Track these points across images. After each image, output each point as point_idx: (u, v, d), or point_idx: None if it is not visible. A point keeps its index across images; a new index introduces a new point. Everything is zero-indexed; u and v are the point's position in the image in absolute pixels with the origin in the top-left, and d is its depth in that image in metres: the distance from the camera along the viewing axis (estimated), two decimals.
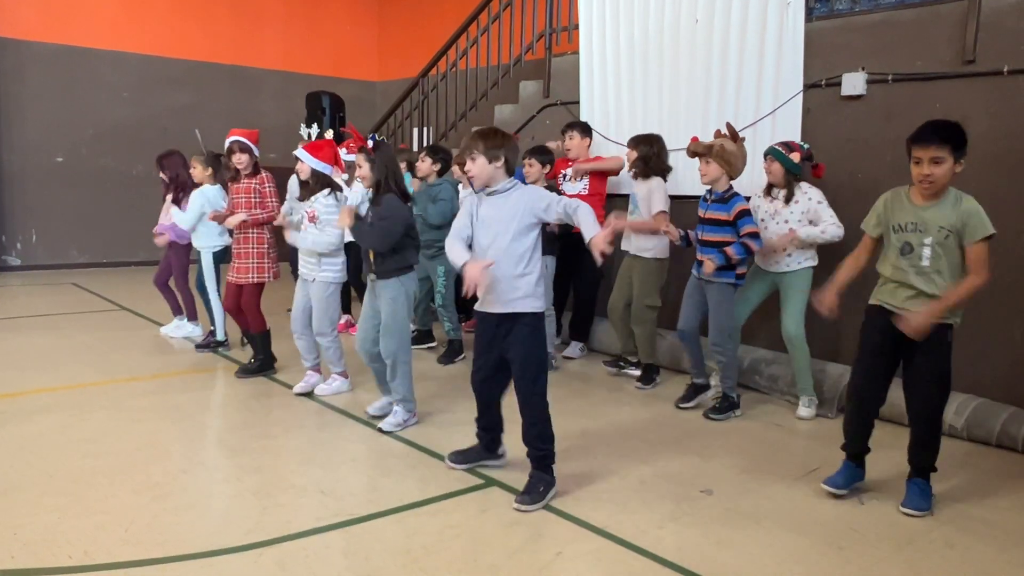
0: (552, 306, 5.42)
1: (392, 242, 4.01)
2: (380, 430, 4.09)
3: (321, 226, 4.49)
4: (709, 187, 4.43)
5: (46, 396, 4.57)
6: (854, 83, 4.81)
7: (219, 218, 5.22)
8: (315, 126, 4.87)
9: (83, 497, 3.20)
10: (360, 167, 4.16)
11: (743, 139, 4.45)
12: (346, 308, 6.52)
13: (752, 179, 4.97)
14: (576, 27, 6.54)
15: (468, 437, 3.74)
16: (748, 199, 4.54)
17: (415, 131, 9.18)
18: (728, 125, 4.39)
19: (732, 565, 2.79)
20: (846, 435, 3.50)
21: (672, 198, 5.03)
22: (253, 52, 11.06)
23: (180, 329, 6.23)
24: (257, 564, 2.71)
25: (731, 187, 4.40)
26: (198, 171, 5.71)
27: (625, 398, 4.88)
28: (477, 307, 3.37)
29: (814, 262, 4.51)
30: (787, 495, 3.43)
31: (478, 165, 3.23)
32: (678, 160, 5.28)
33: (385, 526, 3.04)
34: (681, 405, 4.67)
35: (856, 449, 3.48)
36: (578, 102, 6.43)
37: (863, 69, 4.79)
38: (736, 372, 4.58)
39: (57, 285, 8.67)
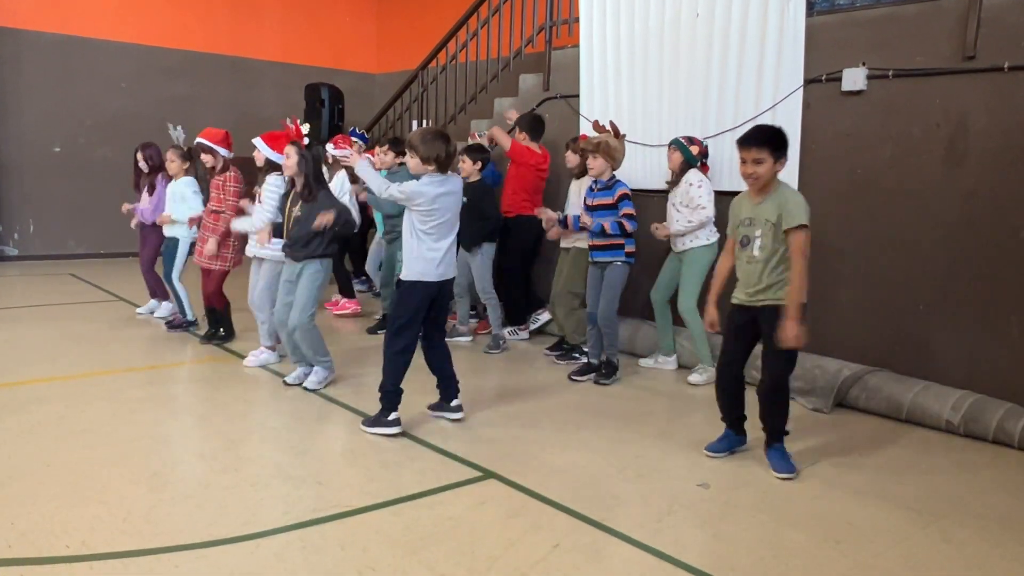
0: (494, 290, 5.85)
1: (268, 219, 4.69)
2: (305, 389, 4.58)
3: (262, 202, 4.91)
4: (595, 178, 4.89)
5: (43, 386, 4.57)
6: (854, 78, 4.80)
7: (192, 223, 5.77)
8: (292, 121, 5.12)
9: (80, 487, 3.20)
10: (288, 157, 4.55)
11: (624, 135, 4.92)
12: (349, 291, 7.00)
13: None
14: (576, 20, 6.52)
15: (470, 431, 3.77)
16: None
17: (414, 124, 9.16)
18: (611, 122, 4.89)
19: (730, 559, 2.80)
20: (720, 407, 3.84)
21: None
22: (252, 43, 11.02)
23: (161, 309, 6.49)
24: (254, 555, 2.71)
25: (614, 176, 4.90)
26: (176, 164, 5.89)
27: (614, 390, 4.89)
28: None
29: (707, 241, 5.03)
30: (784, 489, 3.44)
31: (413, 162, 3.86)
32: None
33: (383, 518, 3.04)
34: (574, 377, 5.06)
35: (730, 418, 3.83)
36: (578, 95, 6.42)
37: (863, 64, 4.79)
38: (617, 342, 5.03)
39: (54, 276, 8.66)
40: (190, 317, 6.06)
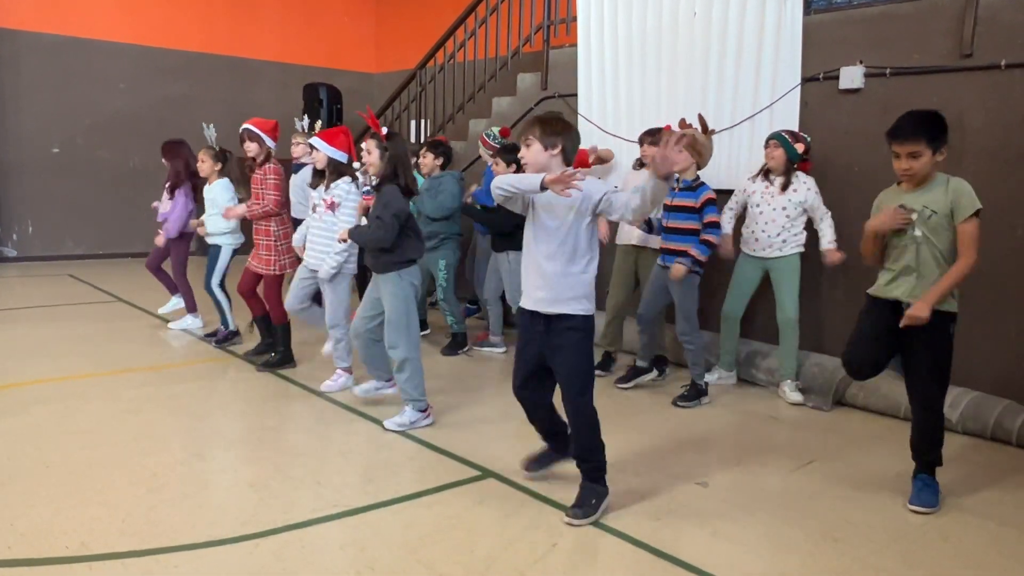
0: (499, 299, 5.68)
1: (389, 238, 3.92)
2: (384, 428, 4.01)
3: (340, 213, 4.50)
4: (676, 176, 4.53)
5: (43, 387, 4.57)
6: (852, 77, 4.81)
7: (230, 214, 5.37)
8: (306, 117, 4.81)
9: (80, 488, 3.20)
10: (369, 153, 4.09)
11: (713, 131, 4.54)
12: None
13: (750, 167, 5.06)
14: (574, 19, 6.52)
15: (469, 429, 3.77)
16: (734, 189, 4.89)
17: (412, 123, 9.17)
18: (700, 117, 4.45)
19: (728, 557, 2.80)
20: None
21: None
22: (250, 43, 11.01)
23: (181, 320, 6.20)
24: (253, 555, 2.71)
25: (698, 176, 4.55)
26: (207, 165, 5.63)
27: (610, 389, 4.89)
28: (522, 304, 3.17)
29: (803, 247, 4.70)
30: (782, 487, 3.44)
31: (532, 151, 3.04)
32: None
33: (382, 517, 3.04)
34: (620, 385, 4.84)
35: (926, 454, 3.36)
36: (576, 95, 6.42)
37: (861, 63, 4.79)
38: (703, 360, 4.68)
39: (53, 276, 8.65)
40: (232, 327, 5.73)
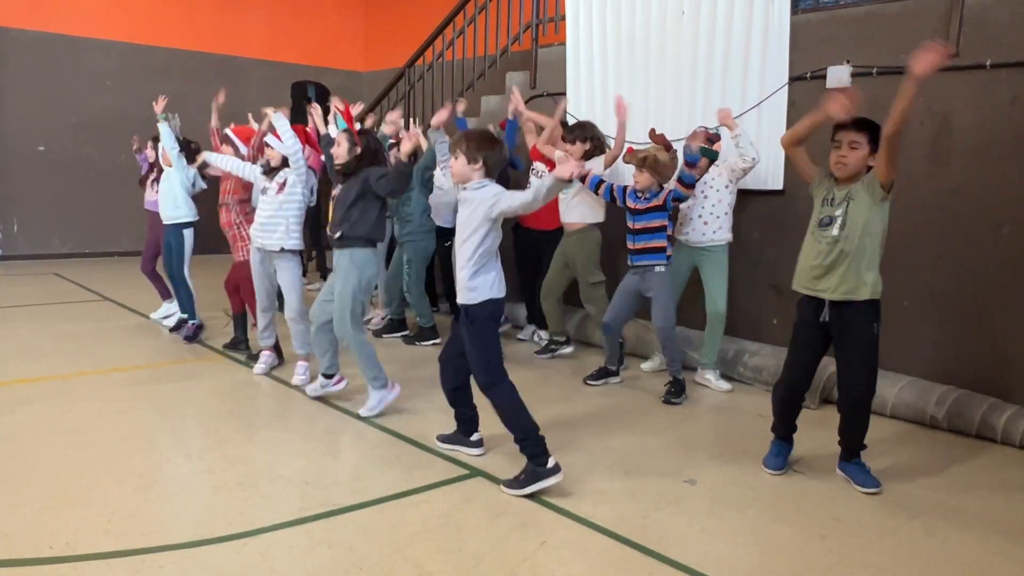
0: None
1: (405, 184, 4.10)
2: (359, 416, 4.13)
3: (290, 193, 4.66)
4: (640, 192, 4.64)
5: (28, 387, 4.54)
6: (839, 76, 4.82)
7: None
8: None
9: (65, 488, 3.18)
10: (339, 144, 4.21)
11: (675, 149, 4.65)
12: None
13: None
14: (563, 18, 6.53)
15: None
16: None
17: (401, 122, 9.13)
18: (661, 135, 4.62)
19: (716, 554, 2.81)
20: (777, 417, 3.65)
21: None
22: (238, 41, 10.97)
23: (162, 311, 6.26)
24: (240, 555, 2.70)
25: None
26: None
27: (604, 389, 4.89)
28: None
29: (730, 237, 4.86)
30: (770, 485, 3.45)
31: (458, 163, 3.36)
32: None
33: (370, 516, 3.04)
34: (589, 382, 4.93)
35: (789, 431, 3.66)
36: (565, 93, 6.42)
37: (848, 62, 4.81)
38: (681, 354, 4.76)
39: (39, 275, 8.59)
40: (198, 320, 5.75)
